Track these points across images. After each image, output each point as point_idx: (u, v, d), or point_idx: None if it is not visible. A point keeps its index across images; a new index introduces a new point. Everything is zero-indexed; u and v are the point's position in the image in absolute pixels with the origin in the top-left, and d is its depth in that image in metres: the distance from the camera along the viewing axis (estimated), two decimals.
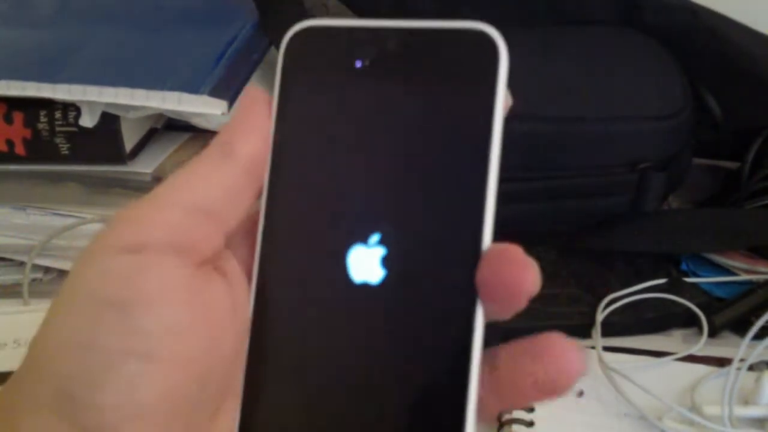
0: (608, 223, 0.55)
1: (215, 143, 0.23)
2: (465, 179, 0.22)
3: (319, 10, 0.66)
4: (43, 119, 0.55)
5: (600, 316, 0.49)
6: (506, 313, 0.21)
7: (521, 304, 0.21)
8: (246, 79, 0.54)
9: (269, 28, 0.56)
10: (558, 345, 0.21)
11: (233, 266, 0.23)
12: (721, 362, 0.47)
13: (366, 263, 0.22)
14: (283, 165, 0.23)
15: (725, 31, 0.55)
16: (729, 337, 0.50)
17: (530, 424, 0.44)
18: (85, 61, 0.55)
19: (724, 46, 0.55)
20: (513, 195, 0.51)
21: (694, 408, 0.44)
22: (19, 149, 0.56)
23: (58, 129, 0.55)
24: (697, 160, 0.59)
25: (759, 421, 0.43)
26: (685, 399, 0.45)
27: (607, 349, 0.47)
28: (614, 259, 0.56)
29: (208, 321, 0.21)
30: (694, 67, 0.56)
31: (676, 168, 0.54)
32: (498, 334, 0.50)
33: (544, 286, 0.59)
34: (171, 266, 0.21)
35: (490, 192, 0.21)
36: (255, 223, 0.23)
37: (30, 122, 0.55)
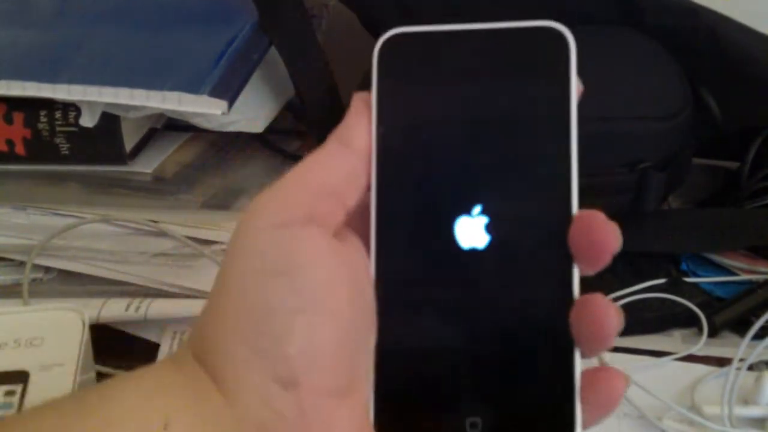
0: None
1: (333, 138, 0.27)
2: (552, 155, 0.25)
3: (319, 10, 0.66)
4: (43, 119, 0.55)
5: None
6: (595, 268, 0.25)
7: (607, 260, 0.25)
8: (246, 79, 0.54)
9: (269, 28, 0.56)
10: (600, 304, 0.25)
11: (354, 237, 0.27)
12: (721, 362, 0.47)
13: (472, 231, 0.26)
14: (389, 152, 0.27)
15: (725, 31, 0.55)
16: (729, 337, 0.50)
17: None
18: (85, 61, 0.55)
19: (724, 46, 0.55)
20: None
21: (694, 408, 0.44)
22: (20, 149, 0.56)
23: (58, 129, 0.55)
24: (697, 160, 0.59)
25: (759, 421, 0.43)
26: (685, 399, 0.45)
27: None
28: (614, 259, 0.56)
29: (351, 276, 0.26)
30: (694, 67, 0.56)
31: (676, 168, 0.54)
32: None
33: None
34: (314, 235, 0.25)
35: (574, 163, 0.25)
36: (368, 207, 0.27)
37: (30, 122, 0.55)
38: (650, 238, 0.55)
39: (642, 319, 0.51)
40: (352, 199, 0.27)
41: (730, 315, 0.50)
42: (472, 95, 0.26)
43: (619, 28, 0.57)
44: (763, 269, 0.54)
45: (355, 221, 0.27)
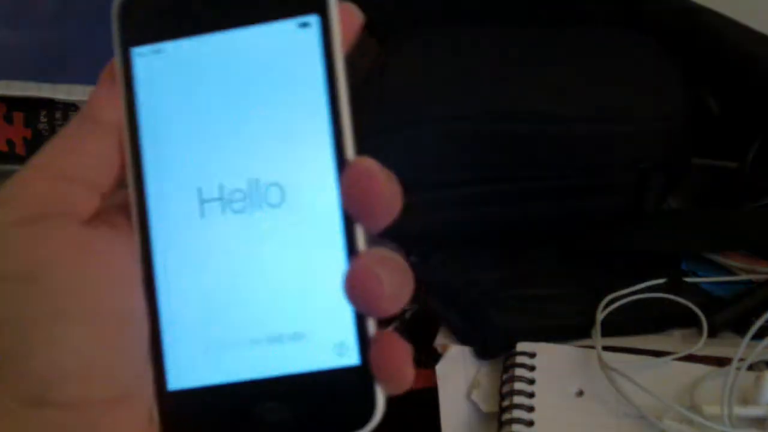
0: (608, 223, 0.55)
1: (81, 114, 0.24)
2: (316, 110, 0.23)
3: None
4: (43, 119, 0.55)
5: (600, 316, 0.49)
6: (375, 221, 0.22)
7: (378, 209, 0.22)
8: None
9: None
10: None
11: (121, 223, 0.24)
12: (721, 362, 0.47)
13: (236, 197, 0.23)
14: (142, 124, 0.24)
15: (725, 31, 0.55)
16: (729, 337, 0.50)
17: (530, 424, 0.44)
18: (85, 61, 0.55)
19: (724, 46, 0.55)
20: (513, 195, 0.51)
21: (694, 408, 0.44)
22: (20, 149, 0.56)
23: (58, 129, 0.55)
24: (697, 160, 0.59)
25: (759, 421, 0.43)
26: (684, 399, 0.45)
27: (607, 349, 0.47)
28: (614, 259, 0.56)
29: (109, 271, 0.22)
30: (694, 67, 0.56)
31: (676, 168, 0.54)
32: (501, 337, 0.50)
33: (544, 286, 0.60)
34: (60, 230, 0.22)
35: (345, 108, 0.23)
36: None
37: (30, 122, 0.55)
38: (650, 238, 0.55)
39: (642, 319, 0.51)
40: (106, 182, 0.23)
41: (730, 315, 0.50)
42: (224, 50, 0.23)
43: (618, 28, 0.57)
44: (762, 269, 0.54)
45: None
